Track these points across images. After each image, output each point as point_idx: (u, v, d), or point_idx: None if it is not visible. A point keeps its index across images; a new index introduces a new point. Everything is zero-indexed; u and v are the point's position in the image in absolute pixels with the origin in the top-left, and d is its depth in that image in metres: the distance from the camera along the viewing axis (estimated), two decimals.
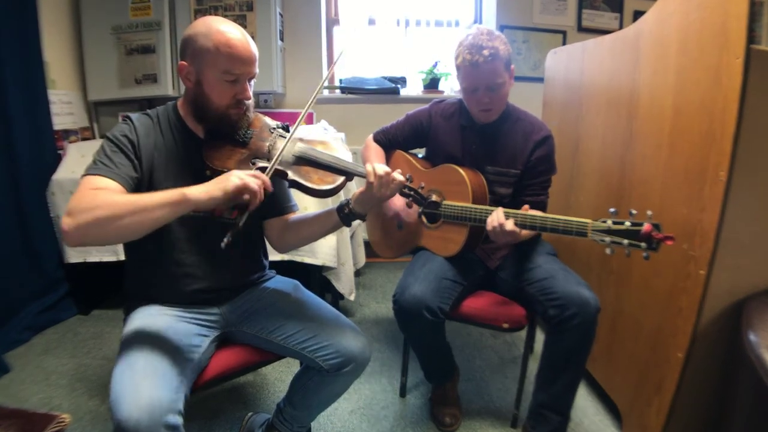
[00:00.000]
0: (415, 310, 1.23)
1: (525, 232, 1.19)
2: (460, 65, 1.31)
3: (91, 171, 0.92)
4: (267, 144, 1.06)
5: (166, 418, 0.80)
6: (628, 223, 1.00)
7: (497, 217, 1.16)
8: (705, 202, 1.07)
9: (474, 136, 1.42)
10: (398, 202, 1.44)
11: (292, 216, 1.20)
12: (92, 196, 0.85)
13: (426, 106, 1.52)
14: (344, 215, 1.09)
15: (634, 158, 1.37)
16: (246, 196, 0.89)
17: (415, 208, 1.47)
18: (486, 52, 1.24)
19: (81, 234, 0.82)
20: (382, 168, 1.03)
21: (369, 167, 1.04)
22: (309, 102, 1.06)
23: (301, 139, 1.09)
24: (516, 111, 1.44)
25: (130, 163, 0.97)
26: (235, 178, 0.88)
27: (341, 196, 1.11)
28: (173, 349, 0.95)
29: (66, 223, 0.82)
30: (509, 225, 1.14)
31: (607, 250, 1.02)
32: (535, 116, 1.45)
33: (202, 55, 0.97)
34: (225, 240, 0.90)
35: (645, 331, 1.30)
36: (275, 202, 1.18)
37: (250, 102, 1.05)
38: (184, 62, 1.00)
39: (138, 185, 0.98)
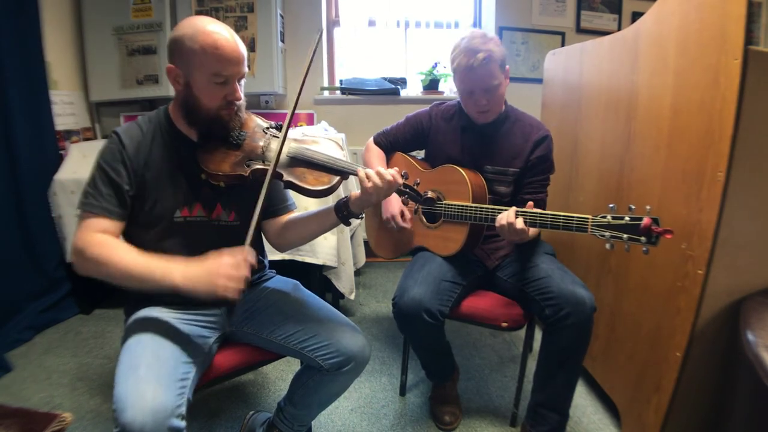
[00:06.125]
0: (414, 313, 1.24)
1: (533, 231, 1.19)
2: (457, 69, 1.32)
3: (87, 207, 0.97)
4: (261, 145, 1.06)
5: (170, 422, 0.81)
6: (627, 218, 1.00)
7: (507, 216, 1.16)
8: (703, 202, 1.08)
9: (474, 136, 1.43)
10: (394, 208, 1.45)
11: (291, 215, 1.20)
12: (97, 248, 0.93)
13: (426, 108, 1.53)
14: (342, 216, 1.08)
15: (632, 159, 1.37)
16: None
17: (412, 212, 1.48)
18: (481, 56, 1.26)
19: (86, 274, 0.94)
20: (376, 172, 1.01)
21: (362, 173, 1.01)
22: (295, 101, 1.02)
23: (294, 140, 1.08)
24: (514, 111, 1.45)
25: (118, 192, 0.99)
26: (221, 288, 0.87)
27: (340, 193, 1.11)
28: (176, 352, 0.95)
29: (75, 261, 0.94)
30: (519, 223, 1.14)
31: (607, 245, 1.03)
32: (533, 116, 1.46)
33: (189, 57, 0.95)
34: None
35: (644, 331, 1.31)
36: (272, 203, 1.18)
37: (242, 102, 1.03)
38: (171, 65, 0.98)
39: (132, 200, 1.01)
